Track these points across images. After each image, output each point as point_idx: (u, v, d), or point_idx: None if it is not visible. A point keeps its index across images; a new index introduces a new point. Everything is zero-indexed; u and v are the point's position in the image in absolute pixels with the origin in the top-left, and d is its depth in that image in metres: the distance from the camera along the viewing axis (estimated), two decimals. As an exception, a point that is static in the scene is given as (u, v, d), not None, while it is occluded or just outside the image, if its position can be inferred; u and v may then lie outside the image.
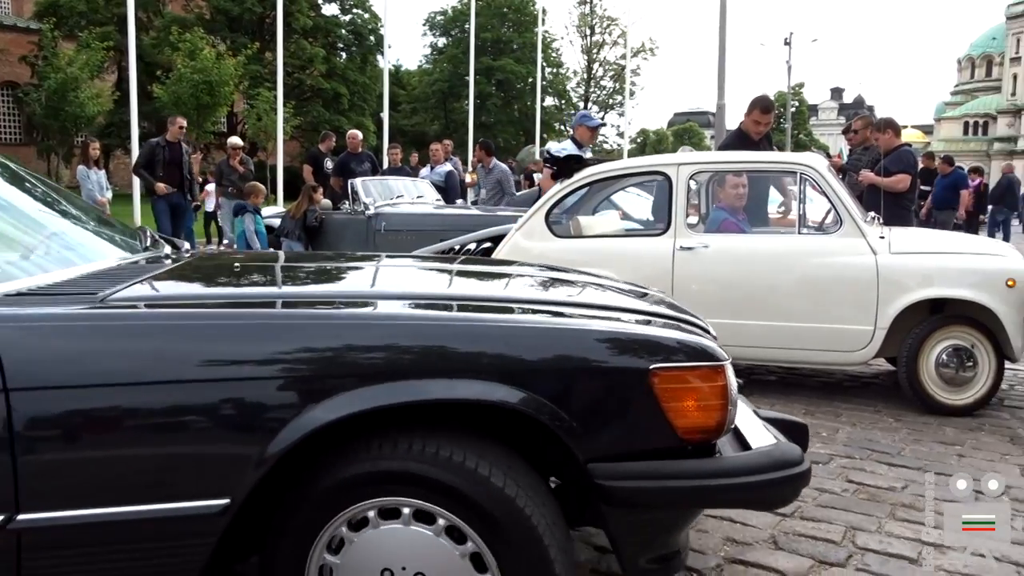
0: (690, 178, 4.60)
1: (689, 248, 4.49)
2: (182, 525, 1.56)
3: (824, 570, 2.41)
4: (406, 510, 1.64)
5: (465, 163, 15.39)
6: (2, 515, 1.47)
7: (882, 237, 4.35)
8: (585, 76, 51.54)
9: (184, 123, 9.02)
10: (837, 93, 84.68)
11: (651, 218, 5.37)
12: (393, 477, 1.62)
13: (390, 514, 1.65)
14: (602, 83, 52.06)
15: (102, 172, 9.79)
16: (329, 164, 9.84)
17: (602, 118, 49.99)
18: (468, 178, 12.96)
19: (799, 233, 4.51)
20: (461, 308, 1.96)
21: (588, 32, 51.30)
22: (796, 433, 2.08)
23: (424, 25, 46.01)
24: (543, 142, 25.79)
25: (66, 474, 1.52)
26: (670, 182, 4.58)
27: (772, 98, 6.13)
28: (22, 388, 1.48)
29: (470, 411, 1.70)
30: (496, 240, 5.89)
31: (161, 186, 8.30)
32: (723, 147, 6.24)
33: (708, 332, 2.12)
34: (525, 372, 1.68)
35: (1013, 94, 55.87)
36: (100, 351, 1.56)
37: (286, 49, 23.42)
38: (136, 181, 12.17)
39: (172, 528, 1.56)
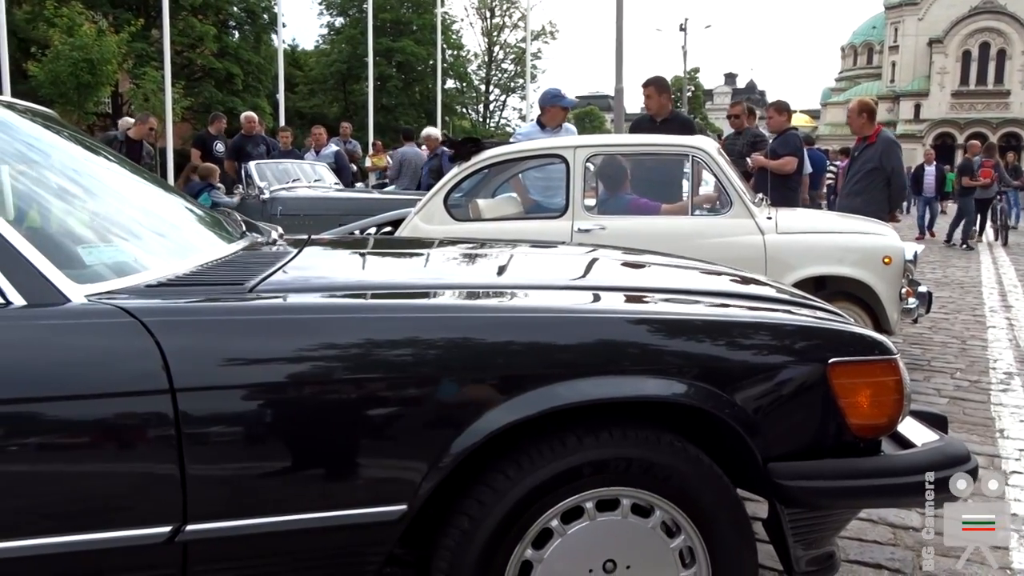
0: (586, 161, 4.65)
1: (587, 230, 4.54)
2: (357, 534, 1.46)
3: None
4: (626, 501, 1.60)
5: (365, 147, 15.13)
6: (169, 526, 1.35)
7: (769, 218, 4.51)
8: (486, 59, 51.45)
9: (155, 124, 8.39)
10: (731, 78, 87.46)
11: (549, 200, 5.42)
12: (605, 466, 1.56)
13: (605, 506, 1.60)
14: (503, 66, 52.09)
15: None
16: (220, 147, 9.51)
17: (504, 101, 50.12)
18: (369, 162, 12.76)
19: (691, 215, 4.63)
20: (635, 300, 1.86)
21: (488, 14, 51.19)
22: (937, 425, 1.97)
23: (320, 4, 44.87)
24: (444, 125, 25.68)
25: (237, 481, 1.40)
26: (567, 164, 4.62)
27: (664, 78, 6.24)
28: (190, 388, 1.34)
29: (643, 409, 1.63)
30: (396, 224, 5.82)
31: None
32: (632, 128, 6.36)
33: (853, 321, 2.05)
34: (708, 368, 1.62)
35: (892, 81, 59.00)
36: (264, 346, 1.42)
37: (174, 27, 22.42)
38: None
39: (346, 537, 1.46)
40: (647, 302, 1.84)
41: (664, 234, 4.57)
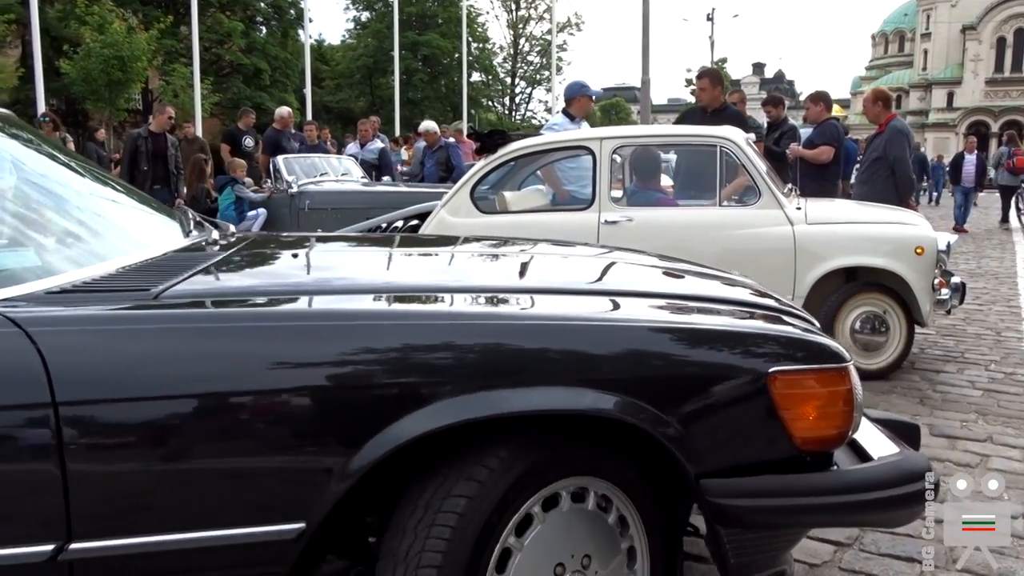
0: (613, 152, 4.63)
1: (613, 222, 4.53)
2: (251, 554, 1.38)
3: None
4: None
5: (395, 141, 15.19)
6: (52, 544, 1.28)
7: (799, 208, 4.47)
8: (511, 51, 51.34)
9: (172, 113, 8.49)
10: (759, 68, 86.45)
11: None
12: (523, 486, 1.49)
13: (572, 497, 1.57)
14: (529, 58, 51.96)
15: None
16: (249, 142, 9.60)
17: (529, 94, 50.01)
18: (404, 154, 12.79)
19: (720, 205, 4.59)
20: (548, 303, 1.74)
21: (513, 7, 51.05)
22: (907, 435, 1.87)
23: (347, -1, 44.98)
24: (470, 118, 25.69)
25: (123, 498, 1.34)
26: (594, 156, 4.60)
27: (719, 71, 6.28)
28: (72, 402, 1.28)
29: (563, 423, 1.54)
30: (422, 217, 5.84)
31: None
32: (681, 119, 6.35)
33: (814, 325, 1.93)
34: (628, 376, 1.52)
35: (924, 69, 58.01)
36: (154, 357, 1.34)
37: (202, 23, 22.62)
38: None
39: (240, 557, 1.38)
40: (573, 305, 1.73)
41: (692, 225, 4.54)
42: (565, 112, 6.02)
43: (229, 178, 8.22)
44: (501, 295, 1.78)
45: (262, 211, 7.97)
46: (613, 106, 59.48)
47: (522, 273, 2.18)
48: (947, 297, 4.45)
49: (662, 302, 1.81)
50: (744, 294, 2.05)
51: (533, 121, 46.30)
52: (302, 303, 1.61)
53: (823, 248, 4.34)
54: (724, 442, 1.56)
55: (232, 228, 2.39)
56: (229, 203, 8.05)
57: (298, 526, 1.37)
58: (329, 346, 1.43)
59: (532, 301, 1.74)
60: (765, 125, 7.67)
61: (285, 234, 3.25)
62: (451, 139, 9.72)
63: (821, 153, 6.23)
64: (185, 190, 8.33)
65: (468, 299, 1.72)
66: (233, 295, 1.63)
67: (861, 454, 1.70)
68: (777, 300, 2.05)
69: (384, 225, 6.97)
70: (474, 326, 1.55)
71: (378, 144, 10.28)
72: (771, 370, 1.55)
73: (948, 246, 4.56)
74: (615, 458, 1.59)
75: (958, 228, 13.84)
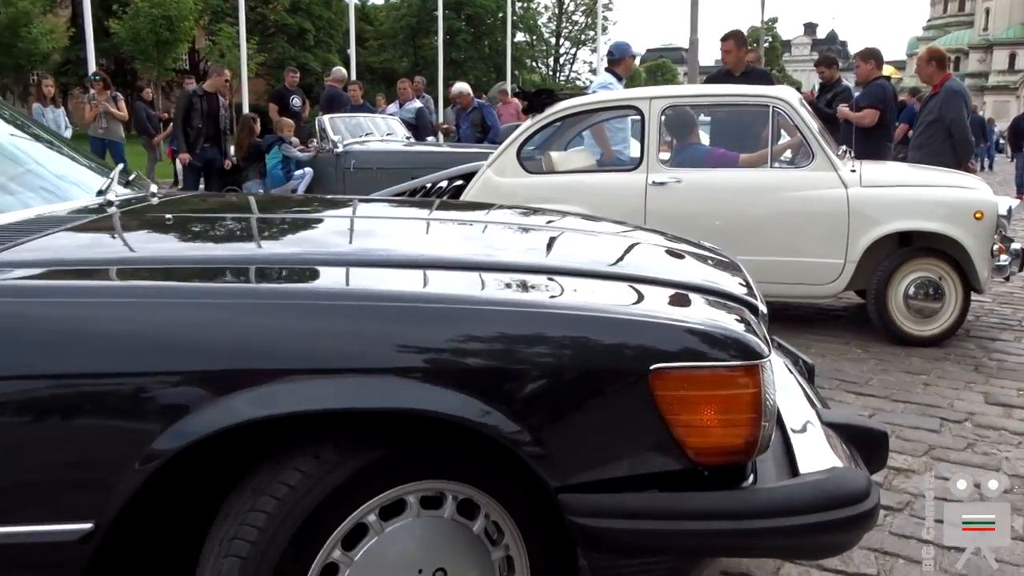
0: (662, 112, 4.55)
1: (661, 183, 4.46)
2: (34, 555, 1.24)
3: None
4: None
5: (436, 101, 15.14)
6: None
7: (853, 170, 4.35)
8: (556, 11, 50.60)
9: (229, 76, 8.63)
10: (810, 28, 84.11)
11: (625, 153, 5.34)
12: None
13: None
14: (574, 18, 51.20)
15: (60, 110, 9.51)
16: (296, 101, 9.64)
17: (574, 54, 49.36)
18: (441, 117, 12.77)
19: (771, 167, 4.49)
20: (379, 278, 1.49)
21: (559, -35, 50.19)
22: (871, 445, 1.60)
23: (390, -43, 44.65)
24: (514, 79, 25.44)
25: None
26: (642, 116, 4.53)
27: (743, 32, 6.13)
28: None
29: (396, 421, 1.32)
30: (468, 178, 5.82)
31: (185, 156, 7.94)
32: (709, 82, 6.25)
33: (757, 313, 1.64)
34: (473, 370, 1.28)
35: (985, 29, 55.89)
36: None
37: (248, -18, 22.64)
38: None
39: (24, 557, 1.25)
40: (415, 281, 1.47)
41: (742, 187, 4.46)
42: (611, 71, 5.97)
43: (276, 137, 8.28)
44: (318, 264, 1.54)
45: (308, 171, 8.02)
46: (659, 67, 58.46)
47: (352, 238, 1.94)
48: (1006, 263, 4.32)
49: (541, 279, 1.53)
50: (690, 274, 1.77)
51: (577, 82, 45.72)
52: (106, 277, 1.40)
53: (878, 211, 4.23)
54: (596, 452, 1.31)
55: (153, 188, 2.21)
56: (276, 162, 8.10)
57: (85, 526, 1.22)
58: (114, 326, 1.25)
59: (347, 274, 1.50)
60: (817, 86, 7.48)
61: (202, 197, 2.97)
62: (481, 101, 9.75)
63: (864, 116, 6.05)
64: (233, 150, 8.40)
65: (280, 272, 1.49)
66: (52, 264, 1.42)
67: (795, 468, 1.44)
68: (733, 274, 1.81)
69: (429, 185, 6.99)
70: (284, 306, 1.31)
71: (416, 104, 10.26)
72: (653, 367, 1.27)
73: (1009, 211, 4.41)
74: (479, 461, 1.34)
75: (1021, 194, 13.40)
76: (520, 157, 4.80)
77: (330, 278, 1.48)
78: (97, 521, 1.22)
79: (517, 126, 6.07)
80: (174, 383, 1.24)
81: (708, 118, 5.55)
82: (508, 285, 1.49)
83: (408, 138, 8.84)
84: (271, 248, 1.80)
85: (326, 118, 8.32)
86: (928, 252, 4.27)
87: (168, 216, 1.99)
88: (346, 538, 1.30)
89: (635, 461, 1.32)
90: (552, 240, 2.03)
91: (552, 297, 1.44)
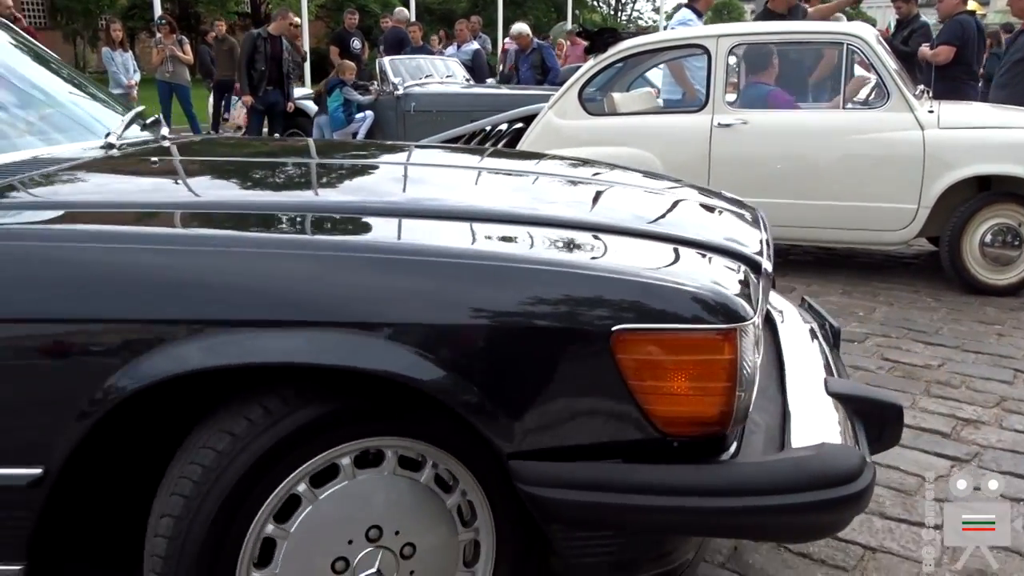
0: (730, 51, 4.41)
1: (727, 125, 4.35)
2: None
3: (856, 444, 2.41)
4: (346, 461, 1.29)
5: (495, 43, 14.93)
6: None
7: (931, 111, 4.17)
8: (619, -53, 49.04)
9: (298, 22, 8.72)
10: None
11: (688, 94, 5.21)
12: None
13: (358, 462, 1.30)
14: (637, -46, 49.57)
15: (128, 54, 9.64)
16: (356, 43, 9.63)
17: (637, -8, 48.00)
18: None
19: (843, 108, 4.33)
20: (334, 227, 1.42)
21: (623, -102, 48.49)
22: (882, 419, 1.47)
23: None
24: (575, 18, 24.92)
25: None
26: (709, 55, 4.40)
27: None
28: None
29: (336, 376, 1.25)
30: (528, 121, 5.77)
31: (248, 99, 8.05)
32: (758, 19, 6.05)
33: (760, 272, 1.49)
34: (417, 325, 1.20)
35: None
36: None
37: (307, -78, 22.45)
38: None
39: None
40: (370, 229, 1.42)
41: (812, 129, 4.32)
42: (691, 7, 5.79)
43: (338, 80, 8.29)
44: (284, 211, 1.50)
45: (369, 114, 8.03)
46: (725, 5, 56.50)
47: (322, 186, 1.86)
48: (1092, 210, 4.11)
49: (506, 229, 1.43)
50: (690, 227, 1.62)
51: (639, 21, 44.54)
52: (60, 220, 1.37)
53: (956, 154, 4.05)
54: (552, 417, 1.22)
55: (165, 131, 2.18)
56: (338, 105, 8.14)
57: (34, 471, 1.21)
58: (62, 270, 1.22)
59: (305, 222, 1.43)
60: (894, 23, 7.14)
61: (212, 142, 2.79)
62: (540, 42, 9.58)
63: (937, 54, 5.76)
64: (294, 91, 8.47)
65: (241, 219, 1.43)
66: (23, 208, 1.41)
67: (785, 442, 1.34)
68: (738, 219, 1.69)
69: (488, 128, 6.94)
70: (233, 253, 1.26)
71: (473, 45, 10.13)
72: (616, 328, 1.18)
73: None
74: (435, 419, 1.28)
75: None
76: (582, 99, 4.72)
77: (290, 226, 1.43)
78: (46, 467, 1.21)
79: (579, 67, 5.97)
80: (122, 330, 1.21)
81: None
82: (466, 235, 1.41)
83: (467, 80, 8.77)
84: (239, 194, 1.73)
85: (387, 60, 8.29)
86: (1008, 198, 4.09)
87: (154, 159, 1.95)
88: (314, 477, 1.25)
89: (596, 429, 1.23)
90: (545, 188, 1.93)
91: (510, 249, 1.34)
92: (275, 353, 1.19)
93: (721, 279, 1.31)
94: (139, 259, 1.24)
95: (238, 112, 10.18)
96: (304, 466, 1.24)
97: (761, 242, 1.65)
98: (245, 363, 1.20)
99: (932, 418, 2.60)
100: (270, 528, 1.25)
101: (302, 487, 1.25)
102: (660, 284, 1.25)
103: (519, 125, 6.59)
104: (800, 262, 4.83)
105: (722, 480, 1.23)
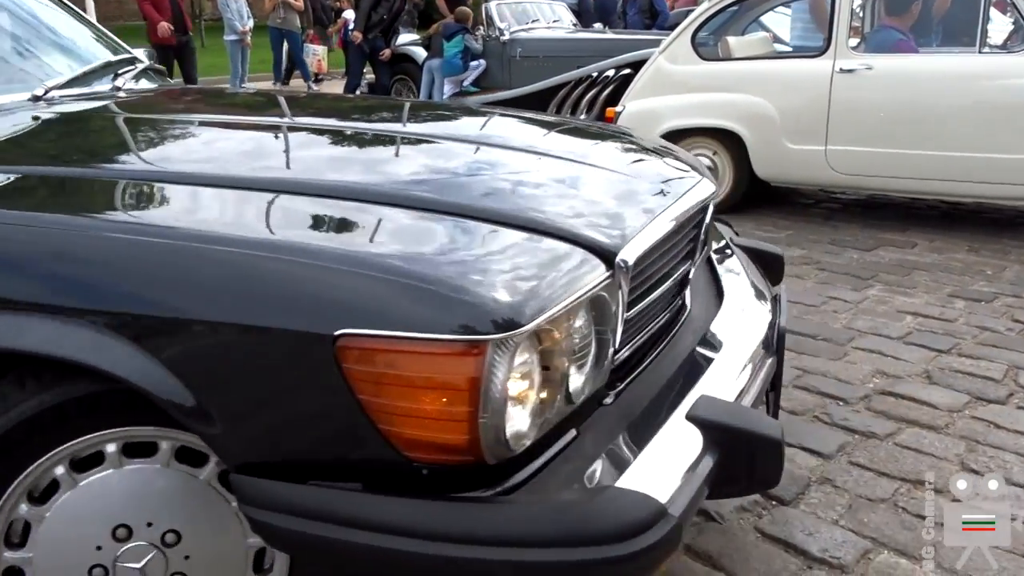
0: (856, -9, 4.18)
1: (850, 70, 4.14)
2: None
3: (981, 406, 2.32)
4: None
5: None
6: None
7: (1079, 55, 3.86)
8: None
9: None
10: None
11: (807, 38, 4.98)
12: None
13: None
14: None
15: (242, 1, 9.89)
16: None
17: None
18: None
19: (979, 52, 4.05)
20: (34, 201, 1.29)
21: None
22: (751, 455, 1.19)
23: None
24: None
25: None
26: (833, -4, 4.18)
27: None
28: None
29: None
30: (636, 66, 5.64)
31: (357, 34, 8.27)
32: None
33: (613, 266, 1.20)
34: (129, 317, 1.06)
35: None
36: None
37: None
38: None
39: None
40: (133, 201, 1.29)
41: (944, 75, 4.06)
42: None
43: (460, 27, 8.27)
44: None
45: (483, 63, 7.99)
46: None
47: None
48: None
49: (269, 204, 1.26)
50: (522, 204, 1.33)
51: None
52: None
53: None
54: (280, 430, 1.06)
55: (121, 83, 2.08)
56: (457, 51, 8.13)
57: None
58: None
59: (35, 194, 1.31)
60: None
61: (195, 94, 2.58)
62: None
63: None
64: (396, 41, 8.61)
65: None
66: None
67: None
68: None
69: (595, 74, 6.83)
70: None
71: None
72: (339, 332, 0.98)
73: None
74: None
75: None
76: (695, 43, 4.58)
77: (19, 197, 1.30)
78: None
79: (690, 11, 5.78)
80: None
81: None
82: (191, 210, 1.27)
83: (574, 24, 8.62)
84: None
85: (493, 4, 8.23)
86: None
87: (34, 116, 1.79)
88: (79, 462, 1.17)
89: (330, 447, 1.06)
90: (364, 149, 1.73)
91: (232, 229, 1.17)
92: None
93: (490, 279, 1.05)
94: None
95: (312, 59, 10.49)
96: (59, 450, 1.14)
97: (645, 230, 1.32)
98: None
99: (1065, 383, 2.46)
100: (24, 509, 1.16)
101: (60, 471, 1.15)
102: (394, 281, 1.01)
103: (627, 71, 6.46)
104: (923, 216, 4.59)
105: (453, 523, 1.00)
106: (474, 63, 8.03)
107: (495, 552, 0.98)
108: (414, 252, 1.11)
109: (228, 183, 1.33)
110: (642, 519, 0.99)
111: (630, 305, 1.28)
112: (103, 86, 2.05)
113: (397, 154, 1.70)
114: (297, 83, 11.55)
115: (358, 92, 8.78)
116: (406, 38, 9.30)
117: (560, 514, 1.01)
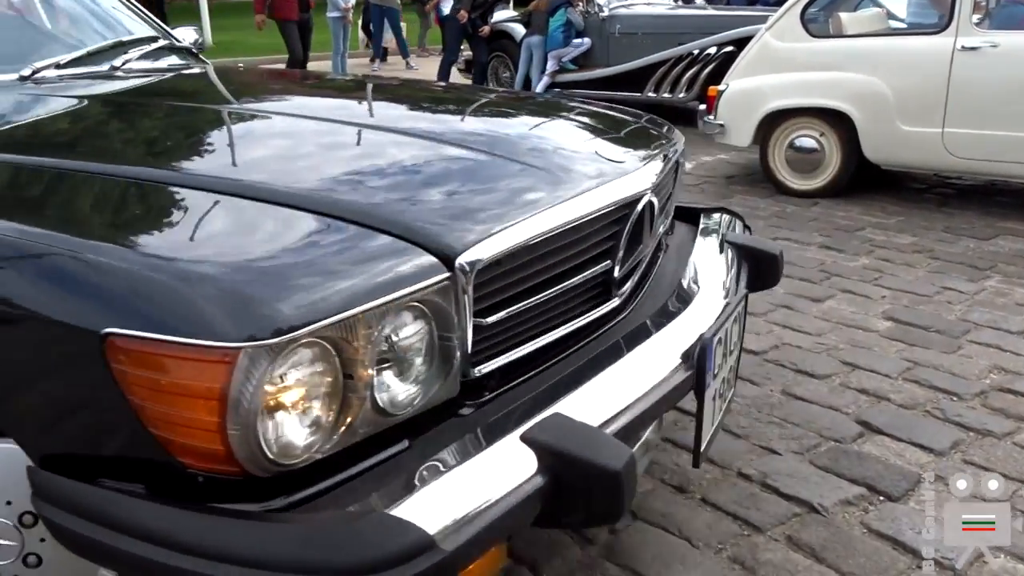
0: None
1: (973, 48, 3.91)
2: None
3: (1113, 408, 2.18)
4: None
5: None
6: None
7: None
8: None
9: None
10: None
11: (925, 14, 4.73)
12: None
13: None
14: None
15: (348, -21, 10.07)
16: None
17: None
18: None
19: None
20: None
21: None
22: (587, 486, 1.06)
23: None
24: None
25: None
26: (956, -32, 3.95)
27: None
28: None
29: None
30: (740, 44, 5.49)
31: (463, 14, 8.40)
32: None
33: (453, 269, 1.10)
34: None
35: None
36: None
37: None
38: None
39: None
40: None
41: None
42: None
43: (565, 0, 8.20)
44: None
45: (587, 41, 7.85)
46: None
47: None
48: None
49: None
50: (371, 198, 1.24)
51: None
52: None
53: None
54: (66, 424, 1.05)
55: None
56: (559, 25, 8.04)
57: None
58: None
59: None
60: None
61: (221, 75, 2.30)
62: None
63: None
64: (493, 17, 8.68)
65: None
66: None
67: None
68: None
69: (696, 52, 6.68)
70: None
71: None
72: (106, 330, 0.95)
73: None
74: None
75: None
76: (804, 19, 4.42)
77: None
78: None
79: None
80: None
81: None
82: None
83: (675, 0, 8.43)
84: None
85: (593, -22, 8.11)
86: None
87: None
88: None
89: (112, 448, 1.04)
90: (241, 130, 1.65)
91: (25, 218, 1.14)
92: None
93: (272, 280, 0.99)
94: None
95: (389, 37, 10.83)
96: None
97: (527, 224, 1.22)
98: None
99: None
100: None
101: None
102: (166, 282, 0.98)
103: (729, 49, 6.30)
104: (1045, 205, 4.33)
105: (193, 533, 0.95)
106: (577, 40, 7.93)
107: (225, 570, 0.91)
108: (202, 250, 1.08)
109: (37, 167, 1.32)
110: (395, 552, 0.89)
111: (493, 310, 1.18)
112: (101, 67, 2.00)
113: (232, 134, 1.62)
114: (395, 59, 11.73)
115: (454, 69, 8.86)
116: (503, 15, 9.28)
117: (307, 538, 0.93)
